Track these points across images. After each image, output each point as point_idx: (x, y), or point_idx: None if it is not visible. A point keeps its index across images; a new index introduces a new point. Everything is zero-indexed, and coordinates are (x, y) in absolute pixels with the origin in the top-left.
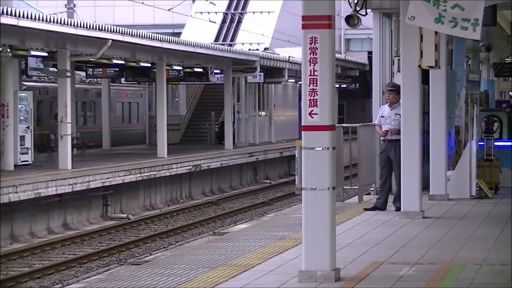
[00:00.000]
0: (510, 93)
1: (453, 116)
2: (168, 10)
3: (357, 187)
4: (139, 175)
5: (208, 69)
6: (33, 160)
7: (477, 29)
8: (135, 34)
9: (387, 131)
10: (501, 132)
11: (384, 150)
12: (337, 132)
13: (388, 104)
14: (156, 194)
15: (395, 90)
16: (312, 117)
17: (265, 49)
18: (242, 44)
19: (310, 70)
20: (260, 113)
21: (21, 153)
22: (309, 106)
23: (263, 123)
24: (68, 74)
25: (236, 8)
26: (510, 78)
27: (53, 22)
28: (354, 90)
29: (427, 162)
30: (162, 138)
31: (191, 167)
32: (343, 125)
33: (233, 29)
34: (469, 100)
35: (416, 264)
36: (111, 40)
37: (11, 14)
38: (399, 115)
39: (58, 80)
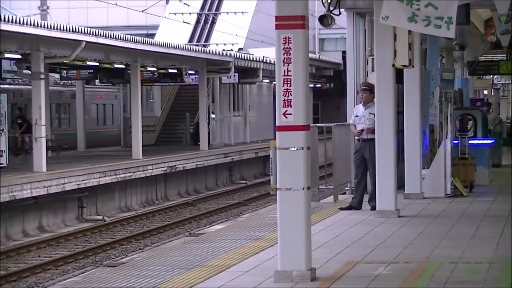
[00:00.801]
0: (485, 91)
1: (428, 115)
2: (142, 11)
3: (332, 187)
4: (114, 177)
5: (183, 70)
6: (7, 163)
7: (451, 27)
8: (109, 36)
9: (362, 130)
10: (475, 131)
11: (359, 150)
12: (312, 132)
13: (362, 103)
14: (131, 196)
15: (368, 89)
16: (286, 117)
17: (239, 49)
18: (217, 44)
19: (284, 70)
20: (235, 113)
21: None
22: (283, 106)
23: (238, 123)
24: (42, 76)
25: (210, 9)
26: (484, 77)
27: (27, 24)
28: (329, 90)
29: (402, 161)
30: (137, 139)
31: (166, 168)
32: (318, 124)
33: (207, 30)
34: (443, 98)
35: (392, 263)
36: (85, 42)
37: None
38: (374, 114)
39: (32, 83)
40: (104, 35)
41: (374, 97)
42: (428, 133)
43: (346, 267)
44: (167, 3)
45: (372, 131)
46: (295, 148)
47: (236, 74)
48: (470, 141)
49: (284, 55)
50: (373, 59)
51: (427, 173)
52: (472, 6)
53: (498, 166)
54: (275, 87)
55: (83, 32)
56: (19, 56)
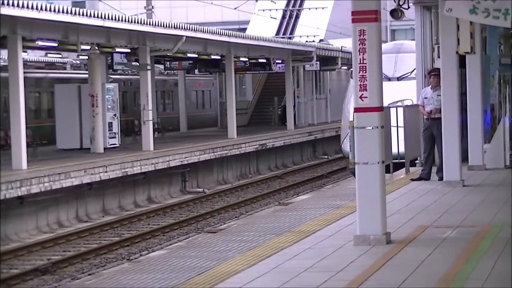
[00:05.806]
0: None
1: (489, 95)
2: (235, 8)
3: (404, 161)
4: (212, 154)
5: (271, 59)
6: (120, 143)
7: (508, 18)
8: (206, 31)
9: (431, 111)
10: None
11: (428, 128)
12: (385, 113)
13: (430, 86)
14: (228, 170)
15: (439, 74)
16: (362, 100)
17: (320, 40)
18: (300, 36)
19: (360, 59)
20: (317, 97)
21: (110, 137)
22: (359, 90)
23: (320, 105)
24: (149, 67)
25: (294, 6)
26: None
27: (135, 22)
28: None
29: (466, 137)
30: (232, 121)
31: (258, 146)
32: (390, 106)
33: (291, 24)
34: (502, 81)
35: (458, 227)
36: (185, 37)
37: (98, 16)
38: (441, 96)
39: (140, 73)
40: (202, 30)
41: (440, 81)
42: (489, 112)
43: (417, 231)
44: (256, 1)
45: (439, 111)
46: (371, 127)
47: (318, 62)
48: None
49: (359, 45)
50: (439, 47)
51: (488, 147)
52: None
53: None
54: (352, 73)
55: (183, 28)
56: (128, 50)
